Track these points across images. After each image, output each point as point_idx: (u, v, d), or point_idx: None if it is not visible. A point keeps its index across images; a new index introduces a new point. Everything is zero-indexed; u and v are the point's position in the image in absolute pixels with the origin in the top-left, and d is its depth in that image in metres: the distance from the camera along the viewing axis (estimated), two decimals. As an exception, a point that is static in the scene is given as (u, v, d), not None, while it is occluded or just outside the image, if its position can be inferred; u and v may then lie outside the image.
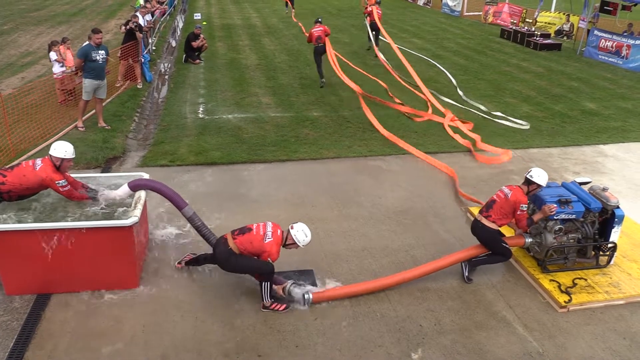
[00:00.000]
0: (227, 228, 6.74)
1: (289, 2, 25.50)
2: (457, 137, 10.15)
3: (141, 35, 12.96)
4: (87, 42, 9.93)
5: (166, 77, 14.65)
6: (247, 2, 31.09)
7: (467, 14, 27.62)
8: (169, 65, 15.86)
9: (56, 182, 5.54)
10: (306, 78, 14.23)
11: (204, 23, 21.64)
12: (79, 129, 9.78)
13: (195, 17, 21.98)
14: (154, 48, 16.44)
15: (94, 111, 10.46)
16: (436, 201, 7.80)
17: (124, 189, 5.76)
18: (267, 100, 12.34)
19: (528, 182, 5.83)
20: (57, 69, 11.09)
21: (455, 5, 28.55)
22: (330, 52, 13.18)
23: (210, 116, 11.12)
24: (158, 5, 19.93)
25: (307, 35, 13.71)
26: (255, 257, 5.26)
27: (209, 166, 8.73)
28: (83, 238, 5.34)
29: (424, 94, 12.32)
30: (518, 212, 5.78)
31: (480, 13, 26.38)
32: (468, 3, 28.05)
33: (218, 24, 23.12)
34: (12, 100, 9.55)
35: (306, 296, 5.42)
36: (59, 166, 5.63)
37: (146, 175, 6.39)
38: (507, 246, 6.01)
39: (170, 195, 5.72)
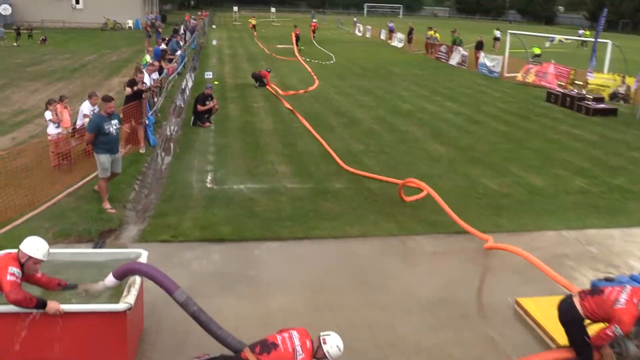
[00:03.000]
0: (234, 317, 6.67)
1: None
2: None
3: (148, 95, 13.37)
4: (93, 109, 10.06)
5: (172, 141, 14.98)
6: (264, 60, 32.22)
7: (508, 75, 28.16)
8: (176, 128, 16.27)
9: (9, 268, 5.19)
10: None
11: (216, 83, 22.35)
12: (109, 210, 9.61)
13: (206, 76, 22.69)
14: (159, 109, 16.91)
15: (91, 176, 10.65)
16: (479, 291, 7.63)
17: (110, 279, 5.71)
18: (283, 169, 12.49)
19: None
20: (52, 129, 11.39)
21: (493, 66, 29.16)
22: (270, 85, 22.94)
23: (219, 186, 11.25)
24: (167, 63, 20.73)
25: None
26: None
27: (216, 243, 8.73)
28: (69, 323, 5.28)
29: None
30: (607, 331, 5.46)
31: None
32: (509, 64, 28.64)
33: (231, 84, 23.87)
34: (0, 163, 9.77)
35: None
36: (23, 264, 5.36)
37: (144, 253, 6.40)
38: (589, 342, 5.68)
39: (160, 278, 5.63)
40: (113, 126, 9.56)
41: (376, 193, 11.04)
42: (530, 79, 26.16)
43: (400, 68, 31.18)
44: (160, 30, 36.64)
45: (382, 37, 50.41)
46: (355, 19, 69.50)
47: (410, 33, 41.03)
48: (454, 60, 33.86)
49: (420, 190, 10.47)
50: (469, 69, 31.65)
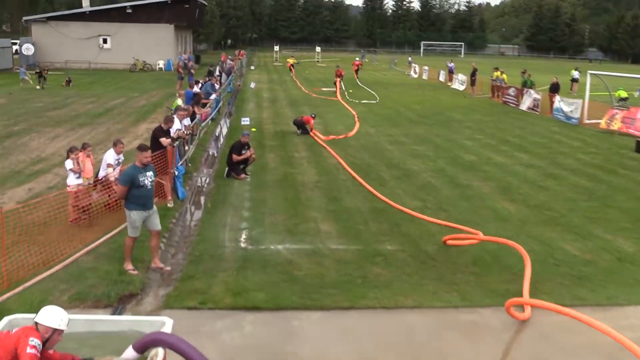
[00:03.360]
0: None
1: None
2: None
3: (169, 140, 13.67)
4: (118, 159, 10.27)
5: (203, 194, 15.23)
6: (306, 105, 32.79)
7: (589, 121, 27.84)
8: (208, 179, 16.58)
9: (30, 338, 5.22)
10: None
11: (253, 130, 22.79)
12: (130, 272, 9.71)
13: (242, 123, 23.21)
14: (189, 158, 17.28)
15: (112, 232, 10.85)
16: (557, 375, 7.36)
17: (129, 353, 5.72)
18: (327, 227, 12.52)
19: None
20: (71, 180, 11.74)
21: (571, 111, 28.90)
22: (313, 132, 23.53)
23: (254, 246, 11.34)
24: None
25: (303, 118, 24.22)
26: None
27: (250, 311, 8.71)
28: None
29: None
30: None
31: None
32: (590, 109, 28.34)
33: (270, 131, 24.33)
34: (14, 216, 10.08)
35: None
36: (48, 339, 5.40)
37: (169, 322, 6.42)
38: None
39: (186, 351, 5.61)
40: (148, 178, 9.67)
41: (434, 258, 10.91)
42: (616, 126, 25.76)
43: (462, 114, 31.26)
44: (192, 71, 37.82)
45: (441, 78, 50.97)
46: (410, 58, 70.58)
47: (473, 74, 41.30)
48: (525, 104, 33.77)
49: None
50: (543, 115, 31.47)
